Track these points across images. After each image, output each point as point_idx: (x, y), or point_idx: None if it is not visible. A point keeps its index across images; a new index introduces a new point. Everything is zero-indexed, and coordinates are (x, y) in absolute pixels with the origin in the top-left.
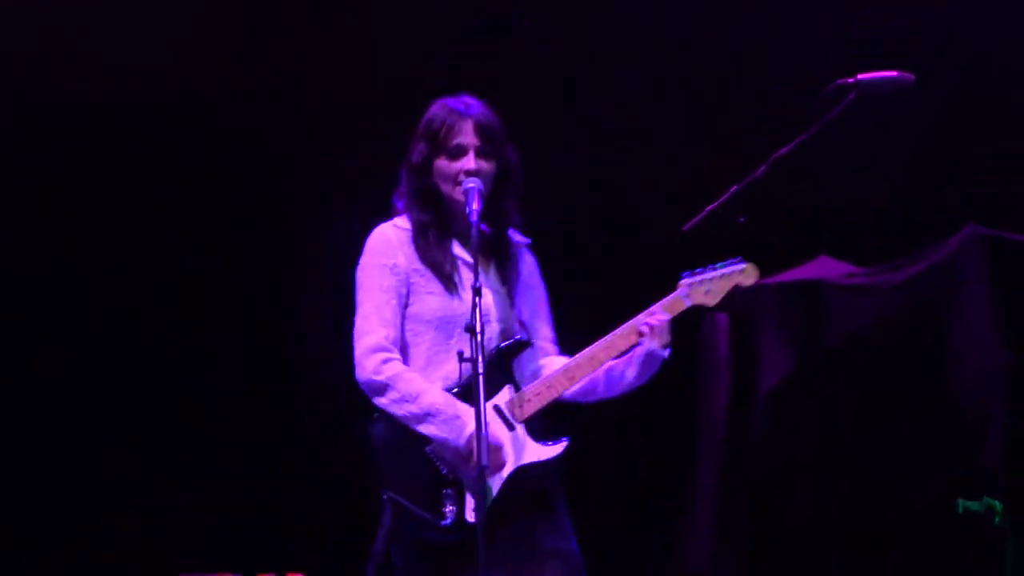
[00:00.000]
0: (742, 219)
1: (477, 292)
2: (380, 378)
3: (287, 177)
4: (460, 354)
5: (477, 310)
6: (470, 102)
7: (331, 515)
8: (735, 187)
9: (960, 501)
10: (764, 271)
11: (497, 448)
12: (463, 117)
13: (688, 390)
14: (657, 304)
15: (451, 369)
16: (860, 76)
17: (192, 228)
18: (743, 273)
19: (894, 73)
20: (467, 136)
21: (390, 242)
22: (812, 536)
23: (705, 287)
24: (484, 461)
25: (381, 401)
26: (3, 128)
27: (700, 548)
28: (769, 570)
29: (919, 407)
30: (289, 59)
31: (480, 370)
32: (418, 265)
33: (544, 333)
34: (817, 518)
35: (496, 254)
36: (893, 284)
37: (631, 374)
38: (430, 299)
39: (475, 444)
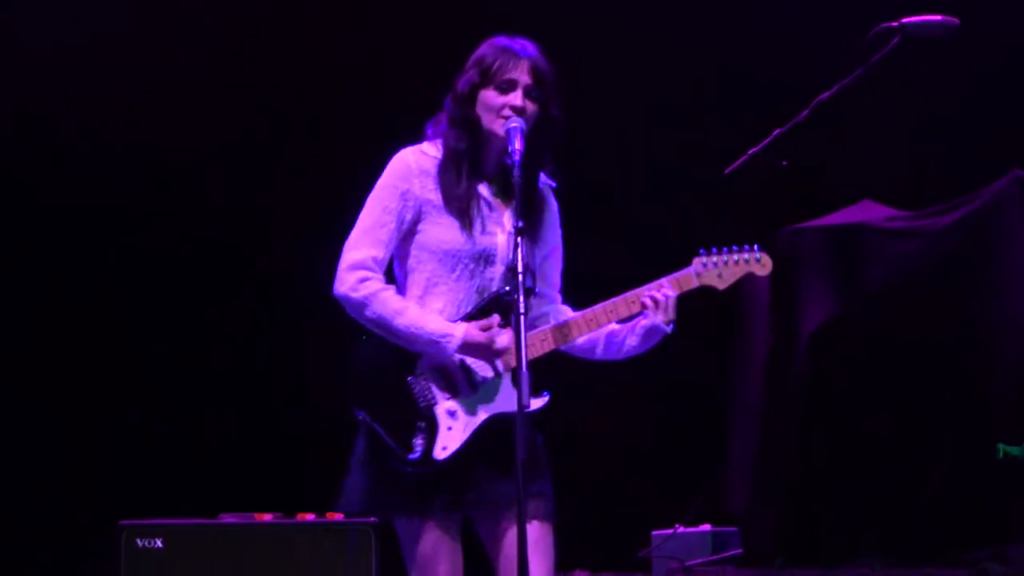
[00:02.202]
0: (784, 162)
1: (520, 232)
2: (357, 296)
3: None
4: (481, 291)
5: (519, 250)
6: (526, 44)
7: None
8: (778, 130)
9: (1000, 445)
10: (806, 214)
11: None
12: (519, 57)
13: (728, 333)
14: (666, 278)
15: (447, 301)
16: (904, 20)
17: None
18: (759, 262)
19: (939, 17)
20: (520, 73)
21: (408, 167)
22: (855, 480)
23: (718, 270)
24: (525, 401)
25: (360, 318)
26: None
27: (739, 493)
28: (807, 514)
29: (960, 350)
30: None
31: (521, 310)
32: (434, 195)
33: (552, 280)
34: (858, 462)
35: (520, 198)
36: (935, 228)
37: (632, 342)
38: (439, 230)
39: (473, 340)
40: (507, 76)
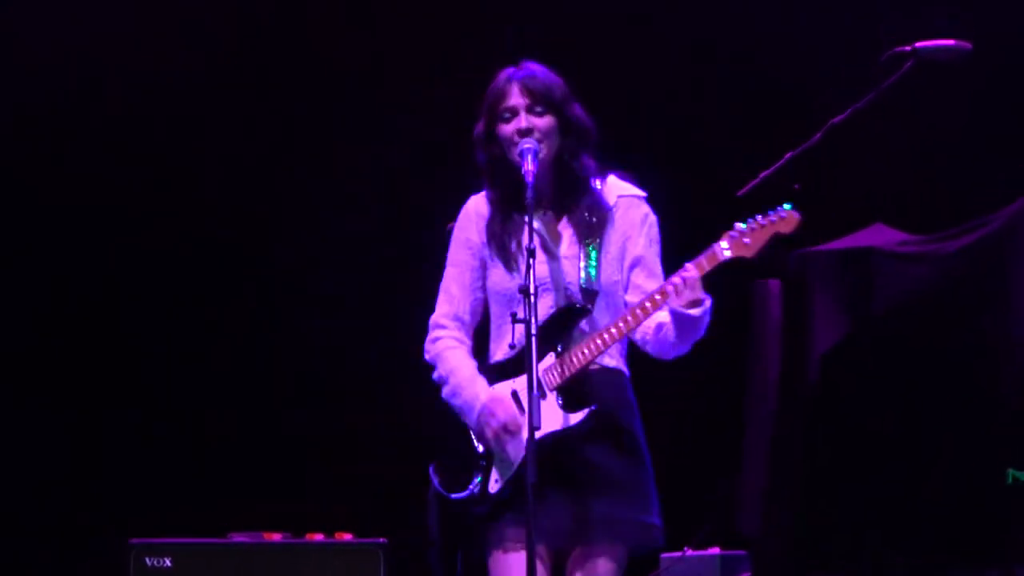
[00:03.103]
0: (797, 185)
1: (531, 253)
2: (429, 356)
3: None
4: (513, 315)
5: (531, 272)
6: (524, 65)
7: (379, 476)
8: (790, 153)
9: (1009, 471)
10: (818, 238)
11: (512, 432)
12: (511, 81)
13: (740, 355)
14: (691, 261)
15: (507, 342)
16: (918, 44)
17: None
18: (784, 220)
19: (952, 41)
20: (515, 98)
21: (469, 216)
22: (863, 501)
23: (743, 237)
24: (536, 423)
25: (434, 376)
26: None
27: (751, 512)
28: (819, 534)
29: (969, 376)
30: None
31: (533, 331)
32: (487, 239)
33: (645, 288)
34: (867, 483)
35: (572, 213)
36: (946, 253)
37: (671, 335)
38: (495, 273)
39: (484, 421)
40: (505, 104)
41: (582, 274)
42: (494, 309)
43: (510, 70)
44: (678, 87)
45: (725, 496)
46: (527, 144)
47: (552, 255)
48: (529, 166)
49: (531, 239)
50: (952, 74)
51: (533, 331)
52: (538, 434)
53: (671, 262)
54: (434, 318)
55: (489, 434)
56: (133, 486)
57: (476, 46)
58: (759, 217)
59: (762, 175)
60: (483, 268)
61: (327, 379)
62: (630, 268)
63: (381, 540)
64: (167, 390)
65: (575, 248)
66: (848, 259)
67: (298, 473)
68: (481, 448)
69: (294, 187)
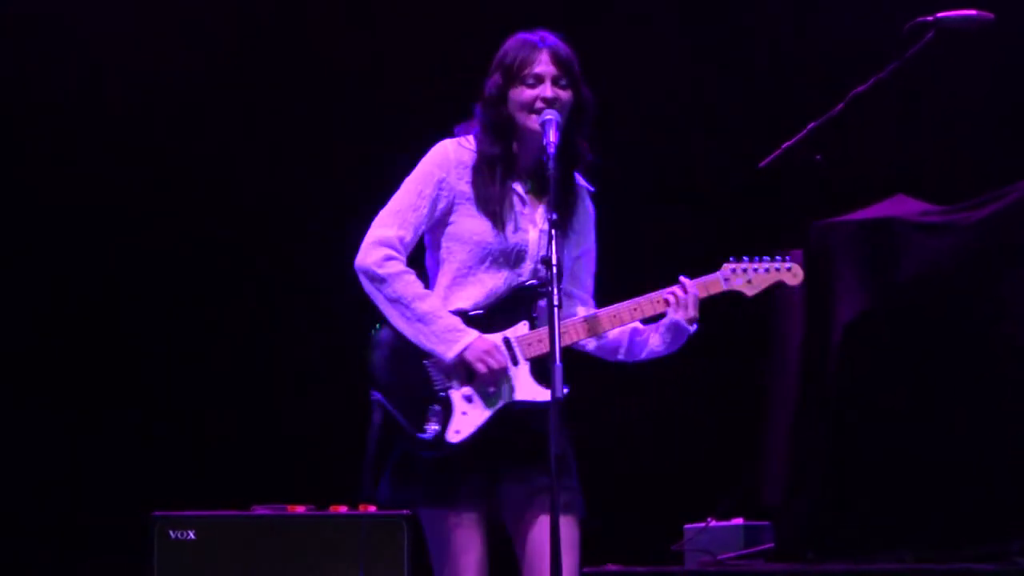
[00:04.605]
0: (819, 156)
1: (555, 224)
2: (380, 271)
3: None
4: (510, 285)
5: (553, 243)
6: (545, 35)
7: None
8: (812, 124)
9: None
10: (840, 208)
11: (500, 382)
12: (538, 48)
13: (762, 325)
14: (692, 280)
15: (474, 293)
16: (940, 14)
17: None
18: (789, 272)
19: (973, 12)
20: (544, 65)
21: (447, 157)
22: (887, 473)
23: (747, 276)
24: (559, 394)
25: (375, 295)
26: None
27: (774, 485)
28: (839, 506)
29: (991, 343)
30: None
31: (555, 302)
32: (467, 189)
33: (583, 282)
34: (891, 455)
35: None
36: (969, 223)
37: (655, 341)
38: (471, 222)
39: (477, 356)
40: (532, 70)
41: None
42: (458, 255)
43: (533, 36)
44: (679, 88)
45: (748, 467)
46: (550, 115)
47: (534, 224)
48: (552, 137)
49: (551, 211)
50: (974, 44)
51: (555, 302)
52: (512, 397)
53: (671, 262)
54: (386, 234)
55: (483, 370)
56: (132, 486)
57: (476, 46)
58: (766, 260)
59: (784, 146)
60: (446, 212)
61: (327, 379)
62: (577, 257)
63: (405, 512)
64: (167, 390)
65: (547, 224)
66: (870, 229)
67: (297, 474)
68: (442, 390)
69: (294, 187)
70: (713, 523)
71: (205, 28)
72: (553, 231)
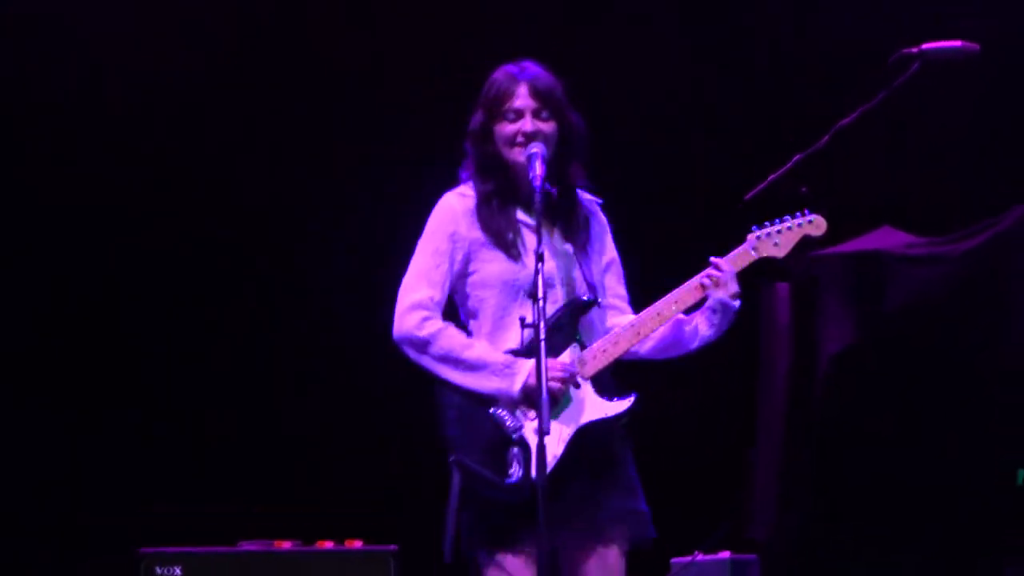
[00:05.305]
0: (804, 188)
1: (540, 258)
2: (422, 334)
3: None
4: (522, 320)
5: (539, 276)
6: (526, 66)
7: (387, 482)
8: (798, 156)
9: (1020, 471)
10: (826, 240)
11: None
12: (517, 81)
13: (748, 358)
14: (723, 258)
15: (517, 333)
16: (925, 45)
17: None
18: (812, 224)
19: (959, 43)
20: (522, 99)
21: (453, 210)
22: (873, 503)
23: (773, 239)
24: (546, 425)
25: (422, 359)
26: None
27: (761, 517)
28: (830, 537)
29: (977, 377)
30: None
31: (542, 336)
32: (479, 234)
33: (617, 291)
34: (877, 485)
35: (562, 216)
36: (954, 255)
37: (704, 327)
38: (492, 265)
39: (535, 396)
40: (511, 104)
41: (583, 269)
42: (491, 301)
43: (513, 68)
44: (679, 88)
45: (736, 501)
46: (535, 148)
47: (554, 251)
48: (538, 171)
49: (539, 243)
50: (959, 75)
51: (542, 335)
52: (583, 420)
53: (671, 262)
54: (416, 298)
55: (557, 387)
56: (132, 485)
57: (476, 46)
58: (788, 219)
59: (770, 178)
60: (465, 263)
61: (327, 381)
62: (604, 270)
63: (391, 547)
64: (167, 390)
65: (563, 248)
66: (857, 262)
67: (297, 474)
68: (515, 432)
69: (294, 187)
70: (700, 557)
71: (205, 28)
72: (539, 264)
